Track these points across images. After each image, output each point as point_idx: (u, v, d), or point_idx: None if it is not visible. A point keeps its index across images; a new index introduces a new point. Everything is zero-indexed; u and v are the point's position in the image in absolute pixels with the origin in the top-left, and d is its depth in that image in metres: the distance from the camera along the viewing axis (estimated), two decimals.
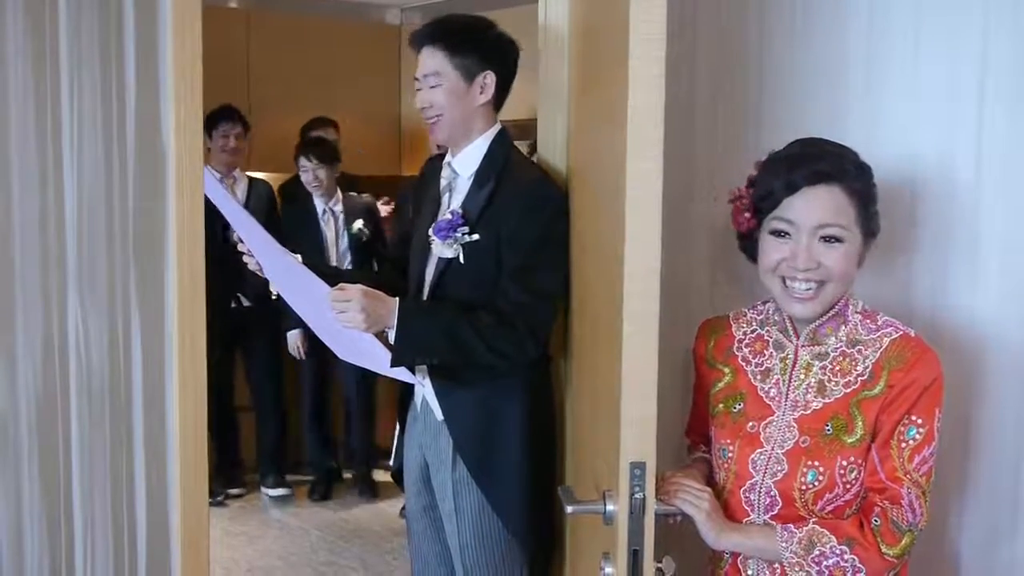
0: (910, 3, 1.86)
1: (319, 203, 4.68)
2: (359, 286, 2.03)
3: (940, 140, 1.86)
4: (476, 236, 2.12)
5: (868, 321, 1.61)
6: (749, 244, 1.66)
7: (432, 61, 2.17)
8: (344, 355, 2.32)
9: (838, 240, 1.55)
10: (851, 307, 1.62)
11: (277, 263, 2.23)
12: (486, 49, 2.19)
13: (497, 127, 2.25)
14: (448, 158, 2.27)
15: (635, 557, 1.41)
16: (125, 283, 2.22)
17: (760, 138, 1.92)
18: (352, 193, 4.83)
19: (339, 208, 4.71)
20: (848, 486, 1.54)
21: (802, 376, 1.62)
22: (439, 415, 2.23)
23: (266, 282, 2.33)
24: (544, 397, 2.27)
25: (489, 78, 2.19)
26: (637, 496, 1.40)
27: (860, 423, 1.54)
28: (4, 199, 2.13)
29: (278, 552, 4.23)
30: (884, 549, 1.49)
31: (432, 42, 2.17)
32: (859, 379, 1.56)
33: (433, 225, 2.18)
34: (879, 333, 1.58)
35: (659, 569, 1.47)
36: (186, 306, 2.23)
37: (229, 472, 4.89)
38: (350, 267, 4.63)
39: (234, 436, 4.92)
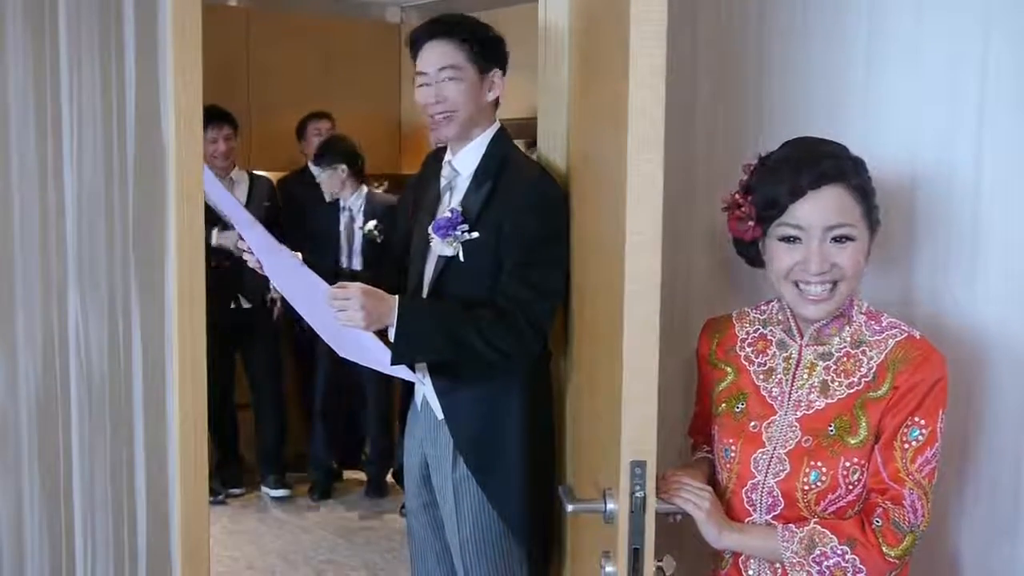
0: (910, 3, 1.86)
1: (340, 200, 4.66)
2: (358, 284, 2.03)
3: (940, 140, 1.85)
4: (476, 234, 2.12)
5: (873, 322, 1.61)
6: (749, 249, 1.66)
7: (449, 54, 2.15)
8: (345, 353, 2.32)
9: (849, 239, 1.55)
10: (856, 307, 1.62)
11: (277, 261, 2.23)
12: (494, 47, 2.20)
13: (496, 125, 2.25)
14: (448, 157, 2.27)
15: (635, 556, 1.41)
16: (125, 281, 2.23)
17: (760, 138, 1.92)
18: (378, 191, 4.81)
19: (359, 204, 4.66)
20: (851, 487, 1.54)
21: (805, 376, 1.62)
22: (439, 414, 2.24)
23: (265, 283, 2.33)
24: (544, 395, 2.27)
25: (497, 76, 2.20)
26: (638, 495, 1.40)
27: (864, 424, 1.54)
28: (4, 197, 2.13)
29: (278, 551, 4.23)
30: (886, 550, 1.49)
31: (447, 35, 2.16)
32: (863, 380, 1.56)
33: (433, 223, 2.18)
34: (884, 334, 1.58)
35: (659, 568, 1.47)
36: (186, 304, 2.23)
37: (229, 471, 4.89)
38: (358, 267, 4.62)
39: (234, 435, 4.92)
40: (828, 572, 1.50)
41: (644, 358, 1.39)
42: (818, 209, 1.55)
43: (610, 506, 1.45)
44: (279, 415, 4.94)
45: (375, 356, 2.15)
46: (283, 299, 4.19)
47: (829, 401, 1.58)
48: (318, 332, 2.30)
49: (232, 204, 2.26)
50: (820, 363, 1.61)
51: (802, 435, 1.58)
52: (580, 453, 2.05)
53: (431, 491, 2.32)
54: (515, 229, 2.10)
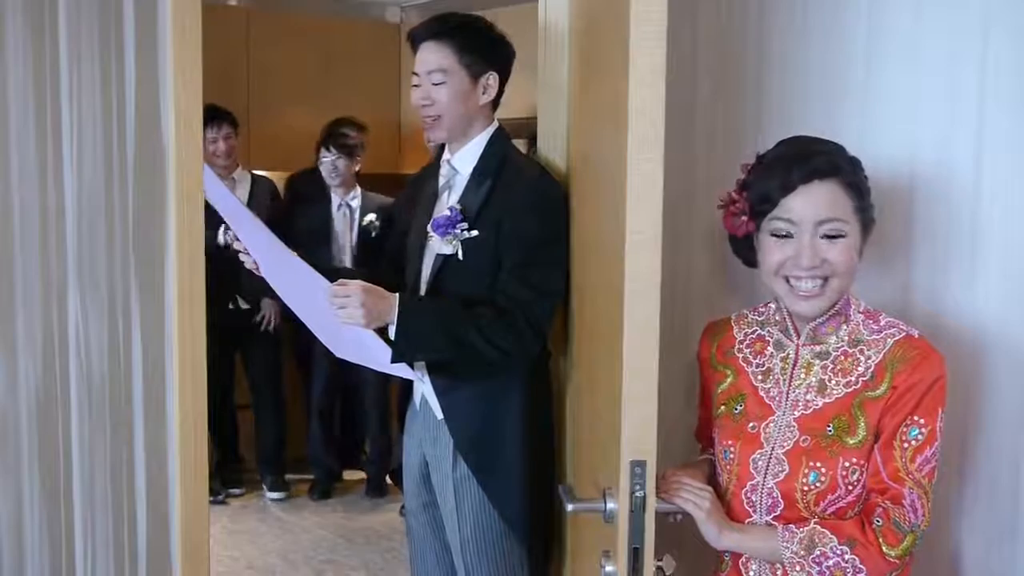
0: (910, 3, 1.86)
1: (336, 196, 4.68)
2: (359, 281, 2.03)
3: (939, 139, 1.85)
4: (475, 232, 2.13)
5: (871, 321, 1.61)
6: (744, 247, 1.66)
7: (438, 57, 2.16)
8: (341, 353, 2.32)
9: (840, 235, 1.55)
10: (853, 306, 1.62)
11: (275, 261, 2.23)
12: (491, 49, 2.20)
13: (495, 125, 2.26)
14: (447, 156, 2.27)
15: (635, 555, 1.41)
16: (125, 282, 2.23)
17: (760, 138, 1.92)
18: (371, 192, 4.83)
19: (356, 203, 4.70)
20: (850, 487, 1.54)
21: (802, 375, 1.62)
22: (439, 413, 2.23)
23: (264, 283, 2.33)
24: (543, 394, 2.27)
25: (492, 78, 2.19)
26: (638, 494, 1.40)
27: (863, 424, 1.54)
28: (4, 197, 2.13)
29: (278, 551, 4.24)
30: (886, 550, 1.49)
31: (439, 38, 2.16)
32: (860, 379, 1.56)
33: (432, 221, 2.18)
34: (882, 334, 1.58)
35: (659, 567, 1.47)
36: (186, 304, 2.23)
37: (229, 471, 4.89)
38: (353, 265, 4.63)
39: (234, 435, 4.93)
40: (828, 572, 1.50)
41: (644, 358, 1.39)
42: (809, 204, 1.55)
43: (610, 505, 1.45)
44: (278, 416, 4.94)
45: (374, 355, 2.15)
46: (280, 302, 4.20)
47: (827, 401, 1.58)
48: (315, 332, 2.30)
49: (233, 203, 2.26)
50: (817, 363, 1.61)
51: (800, 435, 1.58)
52: (580, 452, 2.05)
53: (431, 491, 2.32)
54: (515, 228, 2.11)
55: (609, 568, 1.44)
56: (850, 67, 1.92)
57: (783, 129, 1.75)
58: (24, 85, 2.13)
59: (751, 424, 1.63)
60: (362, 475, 5.03)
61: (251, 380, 4.91)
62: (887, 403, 1.53)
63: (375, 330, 2.09)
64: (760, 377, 1.66)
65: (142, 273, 2.23)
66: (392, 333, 2.06)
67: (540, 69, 2.34)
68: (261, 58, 5.28)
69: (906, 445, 1.51)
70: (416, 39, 2.20)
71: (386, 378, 4.50)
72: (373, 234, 4.66)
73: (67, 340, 2.21)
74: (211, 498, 2.82)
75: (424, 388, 2.27)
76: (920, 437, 1.51)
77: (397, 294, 2.08)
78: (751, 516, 1.60)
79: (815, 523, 1.53)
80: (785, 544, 1.52)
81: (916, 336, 1.57)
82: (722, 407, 1.69)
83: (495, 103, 2.25)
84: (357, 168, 4.74)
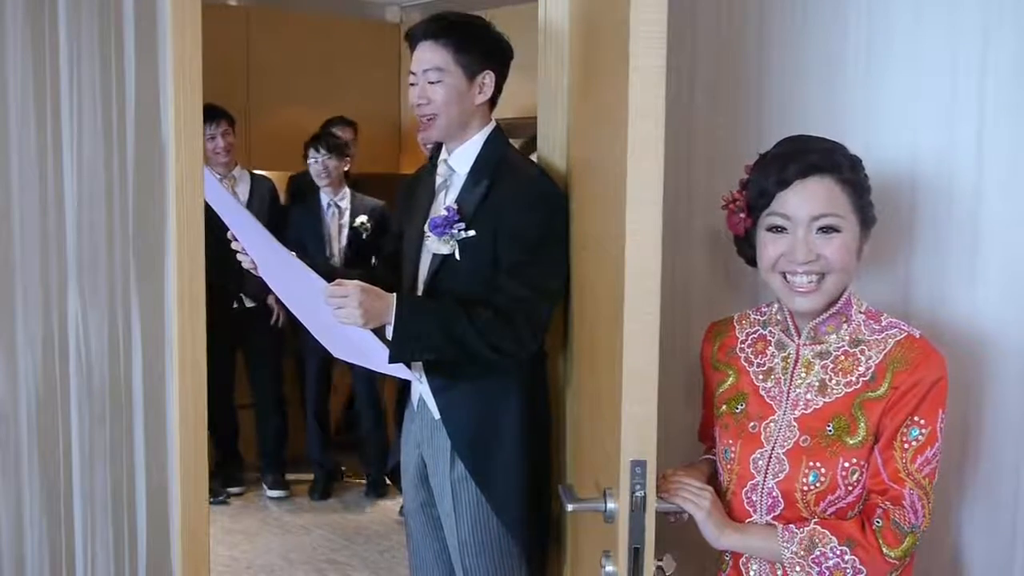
0: (910, 3, 1.86)
1: (324, 197, 4.68)
2: (356, 282, 2.03)
3: (940, 139, 1.85)
4: (472, 232, 2.12)
5: (872, 321, 1.61)
6: (747, 247, 1.66)
7: (434, 56, 2.16)
8: (339, 353, 2.32)
9: (835, 230, 1.55)
10: (855, 306, 1.62)
11: (273, 261, 2.22)
12: (487, 48, 2.19)
13: (492, 124, 2.25)
14: (444, 155, 2.27)
15: (636, 555, 1.41)
16: (125, 281, 2.23)
17: (760, 138, 1.92)
18: (360, 194, 4.85)
19: (345, 203, 4.71)
20: (850, 488, 1.54)
21: (803, 375, 1.62)
22: (436, 414, 2.23)
23: (264, 282, 2.33)
24: (540, 394, 2.27)
25: (489, 78, 2.19)
26: (638, 494, 1.40)
27: (863, 424, 1.54)
28: (4, 196, 2.13)
29: (278, 550, 4.24)
30: (886, 550, 1.49)
31: (436, 37, 2.16)
32: (861, 379, 1.56)
33: (429, 221, 2.18)
34: (884, 334, 1.58)
35: (659, 567, 1.47)
36: (186, 303, 2.23)
37: (229, 471, 4.90)
38: (343, 264, 4.63)
39: (234, 434, 4.93)
40: (828, 573, 1.50)
41: (644, 358, 1.39)
42: (804, 198, 1.55)
43: (610, 505, 1.45)
44: (279, 416, 4.95)
45: (372, 355, 2.14)
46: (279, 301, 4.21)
47: (827, 400, 1.58)
48: (312, 333, 2.30)
49: (231, 203, 2.26)
50: (818, 362, 1.61)
51: (800, 434, 1.58)
52: (581, 452, 2.05)
53: (429, 491, 2.32)
54: (512, 228, 2.10)
55: (609, 568, 1.44)
56: (849, 66, 1.92)
57: (783, 129, 1.75)
58: (24, 84, 2.13)
59: (751, 424, 1.63)
60: (362, 475, 5.03)
61: (252, 379, 4.92)
62: (888, 403, 1.52)
63: (372, 330, 2.09)
64: (761, 377, 1.66)
65: (142, 272, 2.23)
66: (389, 333, 2.06)
67: (540, 69, 2.34)
68: (261, 57, 5.29)
69: (907, 446, 1.51)
70: (413, 38, 2.21)
71: (380, 377, 4.52)
72: (364, 235, 4.66)
73: (67, 340, 2.21)
74: (211, 498, 2.81)
75: (422, 388, 2.27)
76: (921, 438, 1.51)
77: (395, 294, 2.07)
78: (751, 516, 1.60)
79: (815, 523, 1.53)
80: (785, 544, 1.52)
81: (918, 336, 1.57)
82: (723, 407, 1.69)
83: (492, 102, 2.25)
84: (346, 168, 4.75)
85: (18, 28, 2.11)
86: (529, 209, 2.11)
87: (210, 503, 2.38)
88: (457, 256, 2.14)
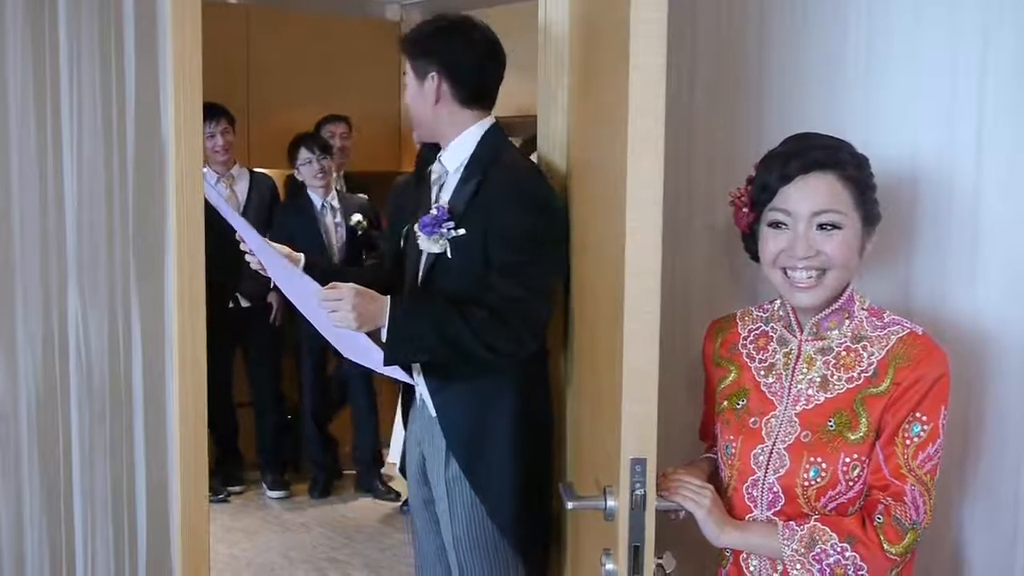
0: (909, 2, 1.86)
1: (317, 198, 4.67)
2: (350, 285, 2.03)
3: (940, 138, 1.86)
4: (462, 231, 2.12)
5: (874, 318, 1.61)
6: (753, 244, 1.66)
7: (407, 64, 2.24)
8: (347, 353, 2.33)
9: (836, 227, 1.55)
10: (857, 303, 1.62)
11: (275, 263, 2.23)
12: (429, 49, 2.20)
13: (487, 122, 2.23)
14: (441, 153, 2.27)
15: (636, 553, 1.41)
16: (125, 279, 2.23)
17: (760, 137, 1.92)
18: (347, 192, 4.85)
19: (336, 203, 4.71)
20: (851, 483, 1.54)
21: (805, 370, 1.62)
22: (433, 412, 2.24)
23: (264, 282, 2.33)
24: (537, 394, 2.26)
25: (433, 79, 2.18)
26: (638, 492, 1.40)
27: (864, 420, 1.54)
28: (4, 196, 2.13)
29: (278, 548, 4.24)
30: (887, 547, 1.49)
31: (402, 47, 2.24)
32: (863, 375, 1.56)
33: (419, 220, 2.18)
34: (886, 330, 1.58)
35: (659, 565, 1.47)
36: (186, 301, 2.23)
37: (230, 469, 4.90)
38: (340, 261, 4.63)
39: (234, 433, 4.93)
40: (829, 570, 1.50)
41: (644, 356, 1.39)
42: (805, 194, 1.55)
43: (610, 503, 1.45)
44: (278, 415, 4.95)
45: (369, 357, 2.15)
46: (284, 301, 4.22)
47: (828, 396, 1.58)
48: (323, 333, 2.31)
49: (226, 208, 2.25)
50: (820, 358, 1.61)
51: (801, 430, 1.58)
52: (581, 450, 2.05)
53: (429, 488, 2.33)
54: (502, 226, 2.09)
55: (609, 566, 1.45)
56: (849, 65, 1.92)
57: (783, 128, 1.76)
58: (24, 83, 2.13)
59: (752, 419, 1.63)
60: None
61: (251, 378, 4.92)
62: (889, 399, 1.53)
63: (370, 332, 2.10)
64: (763, 373, 1.66)
65: (142, 271, 2.23)
66: (384, 336, 2.06)
67: (540, 68, 2.34)
68: (261, 56, 5.28)
69: (908, 442, 1.52)
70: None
71: (373, 376, 4.52)
72: (359, 233, 4.66)
73: (67, 339, 2.21)
74: (211, 496, 2.81)
75: (419, 386, 2.28)
76: (923, 434, 1.51)
77: (388, 297, 2.07)
78: (752, 511, 1.60)
79: (815, 520, 1.53)
80: (785, 542, 1.53)
81: (920, 333, 1.57)
82: (725, 403, 1.69)
83: (466, 99, 2.20)
84: (334, 168, 4.74)
85: (18, 27, 2.11)
86: (519, 207, 2.10)
87: (210, 501, 2.39)
88: (449, 255, 2.14)
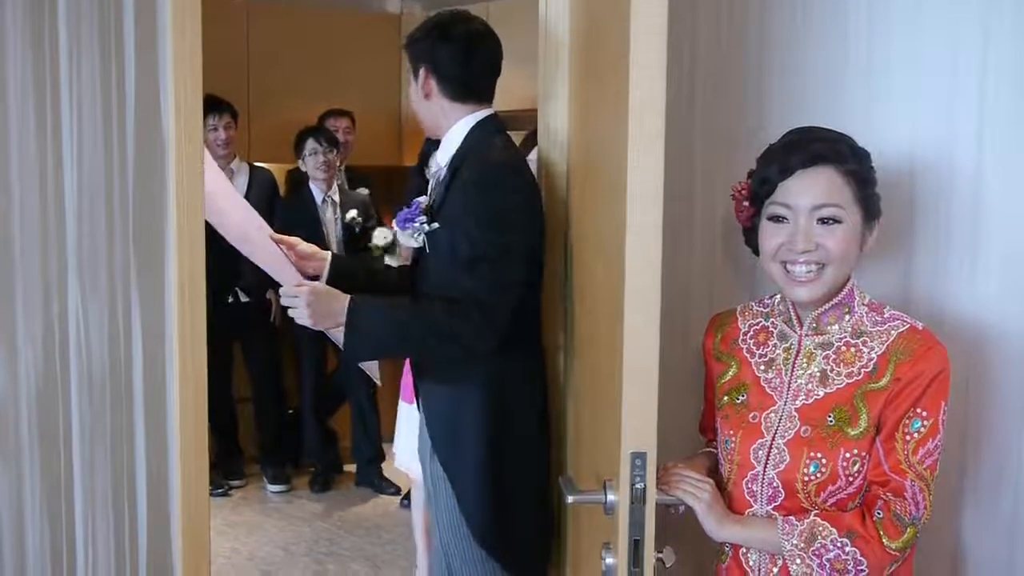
0: (910, 1, 1.86)
1: (318, 192, 4.67)
2: (311, 283, 2.06)
3: (940, 133, 1.86)
4: (436, 225, 2.12)
5: (874, 313, 1.61)
6: (754, 238, 1.66)
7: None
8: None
9: (836, 221, 1.55)
10: (857, 298, 1.62)
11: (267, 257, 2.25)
12: (418, 48, 2.21)
13: (480, 115, 2.20)
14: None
15: (636, 547, 1.41)
16: (125, 272, 2.23)
17: (761, 132, 1.92)
18: (349, 187, 4.85)
19: (337, 198, 4.71)
20: (851, 479, 1.54)
21: (805, 365, 1.62)
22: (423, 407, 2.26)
23: (263, 277, 2.35)
24: (518, 394, 2.19)
25: (423, 74, 2.20)
26: (638, 486, 1.40)
27: (864, 415, 1.54)
28: (3, 188, 2.13)
29: (279, 542, 4.25)
30: (886, 542, 1.49)
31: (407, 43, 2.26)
32: (863, 370, 1.56)
33: (396, 216, 2.20)
34: (886, 326, 1.58)
35: (659, 559, 1.48)
36: (186, 296, 2.23)
37: (230, 463, 4.90)
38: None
39: (234, 427, 4.94)
40: (829, 565, 1.50)
41: (644, 350, 1.39)
42: (805, 188, 1.55)
43: (610, 497, 1.46)
44: (278, 410, 4.95)
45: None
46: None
47: (828, 391, 1.58)
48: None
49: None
50: (820, 353, 1.61)
51: (801, 425, 1.58)
52: (581, 444, 2.06)
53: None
54: (464, 218, 2.06)
55: (609, 560, 1.45)
56: (850, 61, 1.92)
57: (784, 122, 1.76)
58: (24, 78, 2.13)
59: (752, 414, 1.63)
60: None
61: (251, 372, 4.92)
62: (889, 395, 1.53)
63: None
64: (763, 367, 1.66)
65: (142, 265, 2.23)
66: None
67: (540, 63, 2.34)
68: (261, 50, 5.28)
69: (908, 437, 1.52)
70: None
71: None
72: (356, 230, 4.66)
73: (67, 333, 2.21)
74: (212, 490, 2.82)
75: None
76: (923, 429, 1.51)
77: (350, 296, 2.05)
78: (752, 506, 1.61)
79: (815, 515, 1.53)
80: (785, 537, 1.53)
81: (920, 328, 1.57)
82: (725, 397, 1.70)
83: (456, 95, 2.19)
84: (338, 162, 4.74)
85: (18, 21, 2.11)
86: (475, 197, 2.06)
87: (211, 495, 2.39)
88: (427, 249, 2.15)
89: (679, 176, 2.03)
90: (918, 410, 1.52)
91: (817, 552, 1.51)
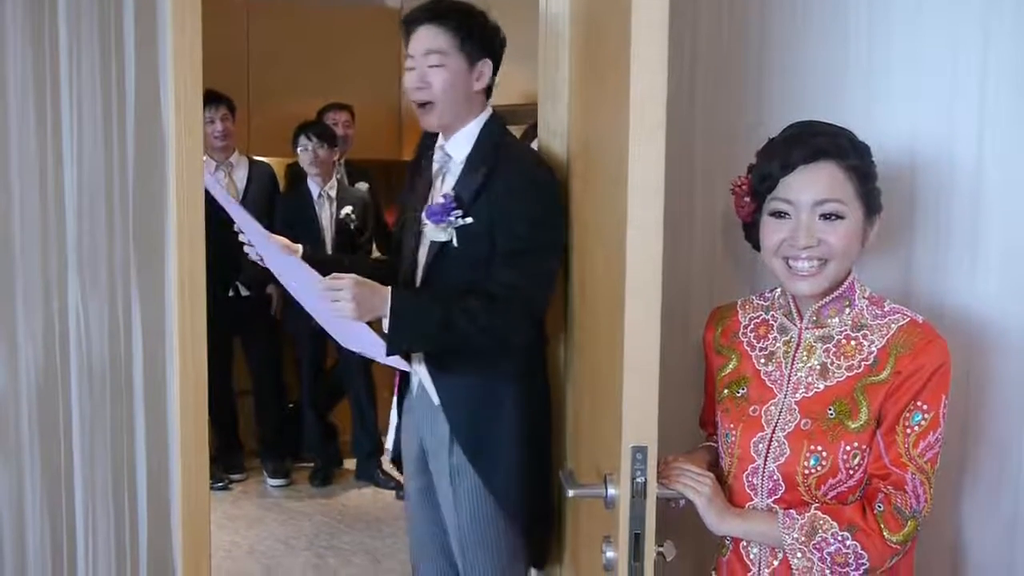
0: (911, 0, 1.86)
1: (315, 187, 4.66)
2: (352, 276, 2.03)
3: (941, 129, 1.86)
4: (470, 219, 2.12)
5: (875, 307, 1.61)
6: (754, 232, 1.66)
7: (436, 40, 2.13)
8: (346, 343, 2.33)
9: (838, 216, 1.55)
10: (858, 291, 1.62)
11: (274, 254, 2.23)
12: (487, 36, 2.19)
13: (488, 111, 2.24)
14: (440, 141, 2.26)
15: (636, 541, 1.41)
16: (125, 267, 2.23)
17: (761, 126, 1.92)
18: (348, 181, 4.84)
19: (334, 192, 4.70)
20: (851, 472, 1.54)
21: (805, 358, 1.62)
22: (436, 399, 2.24)
23: (263, 272, 2.33)
24: (539, 381, 2.28)
25: (487, 67, 2.19)
26: (639, 480, 1.40)
27: (865, 409, 1.54)
28: (3, 185, 2.13)
29: (279, 536, 4.25)
30: (887, 535, 1.50)
31: (437, 21, 2.13)
32: (863, 363, 1.56)
33: (426, 209, 2.18)
34: (887, 319, 1.58)
35: (660, 553, 1.48)
36: (186, 290, 2.23)
37: (231, 457, 4.91)
38: (331, 252, 4.63)
39: (234, 421, 4.94)
40: (829, 558, 1.50)
41: (645, 344, 1.39)
42: (807, 183, 1.55)
43: (611, 491, 1.46)
44: (278, 403, 4.95)
45: (371, 347, 2.16)
46: (282, 291, 4.21)
47: (828, 384, 1.58)
48: (320, 323, 2.31)
49: (226, 198, 2.25)
50: (820, 346, 1.61)
51: (801, 418, 1.58)
52: (581, 438, 2.06)
53: (429, 476, 2.33)
54: (509, 214, 2.10)
55: (610, 554, 1.45)
56: (851, 57, 1.92)
57: (784, 118, 1.75)
58: (24, 73, 2.12)
59: (752, 408, 1.63)
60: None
61: (251, 366, 4.92)
62: (890, 388, 1.53)
63: (370, 322, 2.10)
64: (763, 360, 1.66)
65: (142, 260, 2.23)
66: (386, 326, 2.07)
67: (540, 56, 2.33)
68: (261, 44, 5.27)
69: (909, 431, 1.52)
70: (413, 22, 2.17)
71: (369, 364, 4.52)
72: (351, 226, 4.66)
73: (67, 327, 2.22)
74: (212, 483, 2.81)
75: (421, 375, 2.28)
76: (923, 423, 1.51)
77: (390, 288, 2.07)
78: (752, 499, 1.61)
79: (816, 509, 1.53)
80: (786, 530, 1.53)
81: (920, 322, 1.57)
82: (725, 391, 1.70)
83: (488, 90, 2.24)
84: (336, 157, 4.73)
85: (18, 18, 2.11)
86: (526, 196, 2.11)
87: (211, 488, 2.39)
88: (455, 243, 2.14)
89: (680, 171, 2.03)
90: (919, 403, 1.52)
91: (818, 546, 1.51)
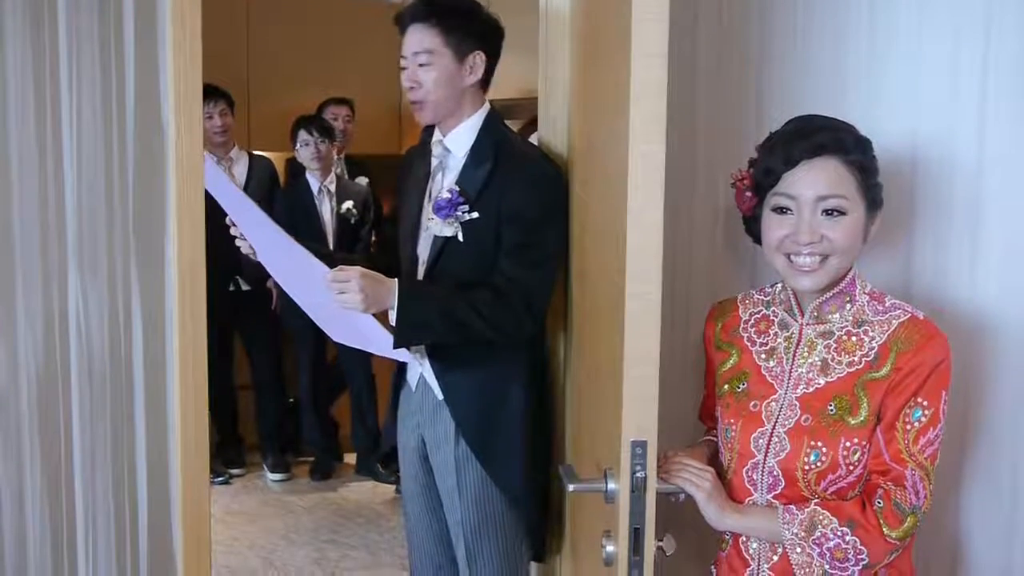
0: None
1: (314, 181, 4.65)
2: (358, 267, 2.04)
3: (942, 125, 1.85)
4: (476, 214, 2.13)
5: (876, 302, 1.61)
6: (754, 226, 1.66)
7: (424, 39, 2.15)
8: (339, 337, 2.32)
9: (841, 212, 1.55)
10: (859, 287, 1.62)
11: (272, 245, 2.22)
12: (477, 29, 2.18)
13: (487, 106, 2.25)
14: (438, 136, 2.26)
15: (636, 535, 1.41)
16: (125, 262, 2.23)
17: (761, 119, 1.92)
18: (348, 176, 4.84)
19: (333, 187, 4.69)
20: (851, 467, 1.54)
21: (806, 354, 1.62)
22: (439, 394, 2.24)
23: (261, 266, 2.33)
24: (542, 371, 2.30)
25: (479, 58, 2.18)
26: (638, 474, 1.40)
27: (865, 405, 1.54)
28: (3, 177, 2.13)
29: (280, 530, 4.25)
30: (887, 531, 1.50)
31: (424, 20, 2.15)
32: (863, 359, 1.56)
33: (432, 203, 2.18)
34: (887, 315, 1.58)
35: (660, 547, 1.48)
36: (186, 283, 2.23)
37: (231, 451, 4.91)
38: (332, 247, 4.62)
39: (234, 415, 4.94)
40: (829, 554, 1.51)
41: (645, 338, 1.39)
42: (810, 179, 1.55)
43: (611, 486, 1.46)
44: (278, 398, 4.95)
45: (374, 340, 2.15)
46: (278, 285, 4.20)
47: (829, 380, 1.58)
48: (312, 317, 2.30)
49: (227, 187, 2.25)
50: (820, 342, 1.61)
51: (801, 414, 1.58)
52: (581, 432, 2.06)
53: (428, 471, 2.33)
54: (514, 209, 2.11)
55: (610, 548, 1.45)
56: (851, 54, 1.92)
57: (785, 112, 1.75)
58: (23, 67, 2.12)
59: (753, 403, 1.63)
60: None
61: (251, 361, 4.92)
62: (890, 384, 1.53)
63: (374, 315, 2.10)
64: (764, 356, 1.66)
65: (142, 254, 2.23)
66: (392, 319, 2.07)
67: (540, 51, 2.33)
68: (261, 39, 5.26)
69: (909, 427, 1.52)
70: (402, 22, 2.19)
71: (368, 358, 4.52)
72: (352, 221, 4.65)
73: (67, 322, 2.22)
74: (212, 478, 2.81)
75: (423, 370, 2.28)
76: (923, 419, 1.51)
77: (396, 280, 2.08)
78: (752, 495, 1.61)
79: (815, 504, 1.53)
80: (786, 526, 1.53)
81: (921, 318, 1.57)
82: (725, 386, 1.70)
83: (485, 84, 2.23)
84: (335, 152, 4.72)
85: (17, 11, 2.11)
86: (531, 190, 2.12)
87: (211, 483, 2.39)
88: (460, 238, 2.14)
89: (680, 165, 2.03)
90: (919, 399, 1.51)
91: (817, 541, 1.51)
